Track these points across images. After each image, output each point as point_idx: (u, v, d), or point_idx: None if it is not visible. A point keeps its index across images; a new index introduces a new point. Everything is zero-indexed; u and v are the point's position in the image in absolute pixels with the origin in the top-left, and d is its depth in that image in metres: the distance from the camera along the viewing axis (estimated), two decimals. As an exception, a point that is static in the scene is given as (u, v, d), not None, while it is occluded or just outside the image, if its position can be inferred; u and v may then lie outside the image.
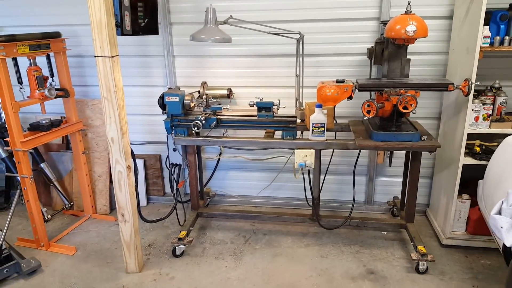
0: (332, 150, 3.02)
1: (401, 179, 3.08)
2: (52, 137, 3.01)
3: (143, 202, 3.60)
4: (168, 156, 3.01)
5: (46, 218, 3.32)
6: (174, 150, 2.93)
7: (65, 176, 3.55)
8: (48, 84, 2.92)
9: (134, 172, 2.54)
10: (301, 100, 2.83)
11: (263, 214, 3.15)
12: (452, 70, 2.77)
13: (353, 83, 2.42)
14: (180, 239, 2.76)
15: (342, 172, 3.31)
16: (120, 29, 2.41)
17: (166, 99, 2.70)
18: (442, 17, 2.81)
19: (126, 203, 2.48)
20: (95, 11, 2.08)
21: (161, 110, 2.75)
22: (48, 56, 2.94)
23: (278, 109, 2.71)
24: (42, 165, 3.35)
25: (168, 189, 3.65)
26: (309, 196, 2.96)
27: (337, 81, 2.43)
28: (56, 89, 2.96)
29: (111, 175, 2.53)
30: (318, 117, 2.52)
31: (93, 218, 3.42)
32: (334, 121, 2.82)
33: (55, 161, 3.55)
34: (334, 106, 2.62)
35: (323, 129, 2.54)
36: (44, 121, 2.94)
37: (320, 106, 2.49)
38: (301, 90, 2.80)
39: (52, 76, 2.97)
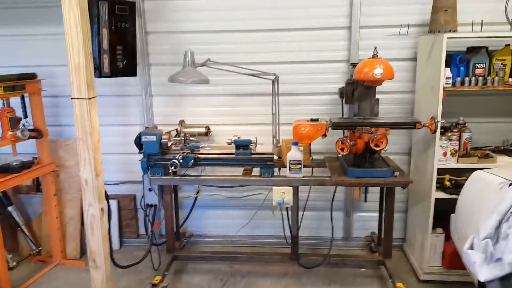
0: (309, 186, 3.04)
1: (377, 214, 3.11)
2: (23, 180, 2.91)
3: (116, 245, 3.46)
4: (143, 196, 2.95)
5: (11, 266, 3.12)
6: (150, 190, 2.88)
7: (34, 219, 3.39)
8: (21, 125, 2.87)
9: (108, 215, 2.46)
10: (277, 137, 2.88)
11: (241, 255, 3.08)
12: (419, 108, 2.92)
13: (327, 122, 2.51)
14: (154, 285, 2.64)
15: (320, 208, 3.32)
16: (98, 71, 2.43)
17: (143, 138, 2.68)
18: (406, 59, 3.00)
19: (98, 248, 2.35)
20: (74, 55, 2.07)
21: (138, 150, 2.73)
22: (22, 97, 2.89)
23: (255, 146, 2.74)
24: (9, 208, 3.19)
25: (142, 231, 3.53)
26: (288, 233, 2.94)
27: (312, 120, 2.51)
28: (30, 130, 2.90)
29: (82, 218, 2.44)
30: (294, 154, 2.57)
31: (63, 264, 3.23)
32: (310, 158, 2.87)
33: (23, 203, 3.39)
34: (310, 143, 2.69)
35: (300, 166, 2.58)
36: (14, 163, 2.83)
37: (296, 143, 2.55)
38: (277, 127, 2.87)
39: (26, 116, 2.91)
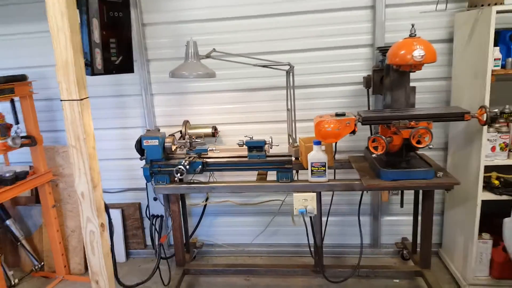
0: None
1: (408, 217, 2.82)
2: (17, 192, 2.71)
3: (121, 258, 3.24)
4: (148, 206, 2.68)
5: (13, 283, 2.93)
6: (155, 199, 2.61)
7: (34, 232, 3.18)
8: (12, 132, 2.66)
9: (109, 229, 2.21)
10: (294, 136, 2.57)
11: (258, 268, 2.81)
12: (457, 96, 2.56)
13: (355, 116, 2.17)
14: (165, 304, 2.38)
15: (344, 213, 3.02)
16: (91, 69, 2.15)
17: (145, 143, 2.42)
18: (441, 41, 2.64)
19: (100, 267, 2.15)
20: (61, 51, 1.84)
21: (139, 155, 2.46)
22: (12, 101, 2.68)
23: (270, 147, 2.44)
24: (8, 222, 2.99)
25: (149, 241, 3.29)
26: (310, 241, 2.62)
27: (337, 115, 2.17)
28: (22, 137, 2.69)
29: (84, 231, 2.22)
30: (317, 155, 2.24)
31: (66, 279, 3.03)
32: (334, 158, 2.55)
33: (23, 216, 3.19)
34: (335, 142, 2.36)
35: (324, 169, 2.25)
36: (7, 174, 2.65)
37: (319, 143, 2.22)
38: (293, 125, 2.55)
39: (17, 123, 2.71)
